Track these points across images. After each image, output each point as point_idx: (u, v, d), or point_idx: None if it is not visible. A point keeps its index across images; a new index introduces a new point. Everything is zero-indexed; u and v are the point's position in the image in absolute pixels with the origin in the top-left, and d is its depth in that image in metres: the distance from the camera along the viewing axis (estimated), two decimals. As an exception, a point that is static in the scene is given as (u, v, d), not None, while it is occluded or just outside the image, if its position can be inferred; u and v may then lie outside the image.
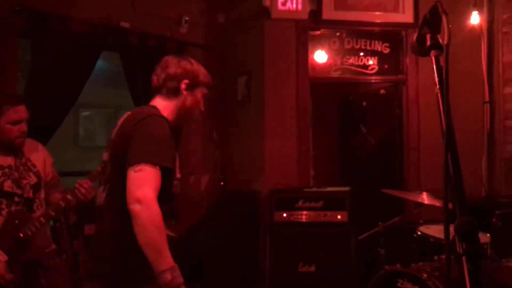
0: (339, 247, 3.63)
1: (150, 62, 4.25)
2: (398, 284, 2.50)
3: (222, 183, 4.76)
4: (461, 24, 4.16)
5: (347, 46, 4.50)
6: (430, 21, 1.03)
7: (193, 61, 1.97)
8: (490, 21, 4.06)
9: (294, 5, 4.17)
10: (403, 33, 4.46)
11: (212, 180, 4.80)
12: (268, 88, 4.27)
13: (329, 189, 3.93)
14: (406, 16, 4.37)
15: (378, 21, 4.39)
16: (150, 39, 4.24)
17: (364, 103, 4.98)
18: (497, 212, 2.31)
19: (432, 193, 2.93)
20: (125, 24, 4.02)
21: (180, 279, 1.61)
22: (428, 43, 1.02)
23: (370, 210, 3.91)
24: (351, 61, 4.50)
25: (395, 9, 4.38)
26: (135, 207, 1.58)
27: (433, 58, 1.00)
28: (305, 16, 4.24)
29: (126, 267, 1.71)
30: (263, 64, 4.32)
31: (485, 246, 2.60)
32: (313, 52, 4.44)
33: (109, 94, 8.21)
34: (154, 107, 1.87)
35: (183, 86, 1.89)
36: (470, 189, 4.02)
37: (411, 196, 2.97)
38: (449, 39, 0.95)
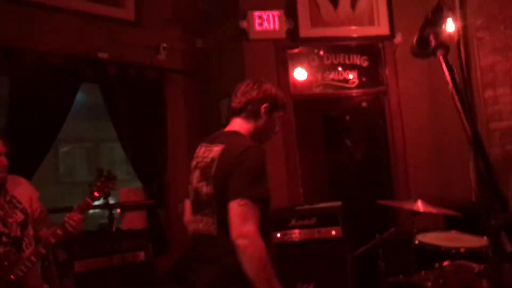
0: (336, 263, 3.57)
1: (131, 91, 4.26)
2: (402, 296, 2.47)
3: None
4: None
5: (326, 62, 4.54)
6: (432, 21, 1.02)
7: (272, 85, 2.05)
8: (465, 28, 4.13)
9: (271, 25, 4.20)
10: (380, 45, 4.53)
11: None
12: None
13: (321, 205, 3.89)
14: (382, 28, 4.44)
15: (354, 35, 4.45)
16: (129, 68, 4.21)
17: (347, 117, 5.00)
18: (492, 213, 2.29)
19: (426, 201, 2.92)
20: (103, 55, 3.99)
21: None
22: (433, 43, 1.00)
23: (362, 223, 3.88)
24: (331, 76, 4.53)
25: (371, 22, 4.45)
26: (241, 242, 1.69)
27: (441, 57, 0.98)
28: (283, 35, 4.28)
29: None
30: (244, 84, 4.31)
31: (484, 250, 2.60)
32: (293, 70, 4.46)
33: (88, 127, 8.11)
34: (242, 135, 1.96)
35: (263, 110, 1.97)
36: (460, 194, 4.07)
37: (406, 205, 2.95)
38: (459, 35, 0.93)
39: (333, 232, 3.72)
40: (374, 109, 4.71)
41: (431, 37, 0.99)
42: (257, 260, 1.68)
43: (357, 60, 4.56)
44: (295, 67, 4.48)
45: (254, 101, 1.96)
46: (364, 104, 4.87)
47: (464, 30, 4.14)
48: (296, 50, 4.48)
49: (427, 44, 1.01)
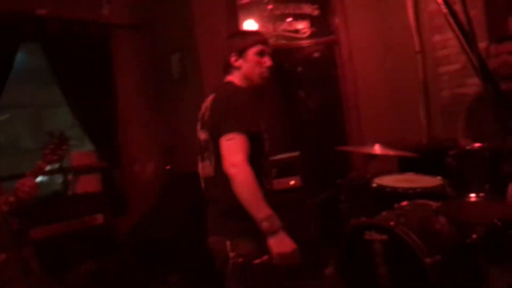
0: (298, 212, 3.64)
1: (74, 50, 4.03)
2: (366, 236, 2.53)
3: (168, 167, 4.62)
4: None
5: (276, 12, 4.45)
6: None
7: (239, 31, 2.18)
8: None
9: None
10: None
11: (157, 165, 4.65)
12: (204, 64, 4.15)
13: (279, 156, 3.91)
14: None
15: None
16: (72, 25, 3.97)
17: (299, 68, 4.98)
18: (450, 153, 2.38)
19: (384, 145, 2.99)
20: (41, 11, 3.73)
21: (277, 224, 1.84)
22: None
23: (321, 171, 3.94)
24: (282, 27, 4.46)
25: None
26: (231, 171, 1.84)
27: None
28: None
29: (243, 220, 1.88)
30: (195, 40, 4.18)
31: (441, 188, 2.70)
32: (243, 22, 4.36)
33: (29, 92, 7.68)
34: (232, 83, 2.08)
35: (232, 60, 2.09)
36: (412, 137, 4.20)
37: (364, 149, 3.01)
38: None
39: (292, 182, 3.78)
40: (326, 59, 4.72)
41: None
42: (246, 185, 1.83)
43: (307, 9, 4.50)
44: (245, 18, 4.37)
45: (225, 60, 2.12)
46: (316, 54, 4.85)
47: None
48: (246, 1, 4.36)
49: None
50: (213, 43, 4.15)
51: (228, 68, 2.12)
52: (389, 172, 3.35)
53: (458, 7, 3.89)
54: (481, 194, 2.12)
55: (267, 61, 2.10)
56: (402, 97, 4.29)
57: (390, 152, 2.87)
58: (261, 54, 2.09)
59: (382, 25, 4.39)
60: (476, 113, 2.73)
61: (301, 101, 5.02)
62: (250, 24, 4.39)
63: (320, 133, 4.77)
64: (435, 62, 4.06)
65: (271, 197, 1.94)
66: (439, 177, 2.80)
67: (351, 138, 4.52)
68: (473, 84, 3.73)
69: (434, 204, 2.61)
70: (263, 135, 2.02)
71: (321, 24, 4.56)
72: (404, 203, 2.71)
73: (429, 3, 4.09)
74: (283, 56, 4.97)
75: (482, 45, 3.22)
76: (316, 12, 4.52)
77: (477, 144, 2.27)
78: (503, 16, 3.72)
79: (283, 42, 4.47)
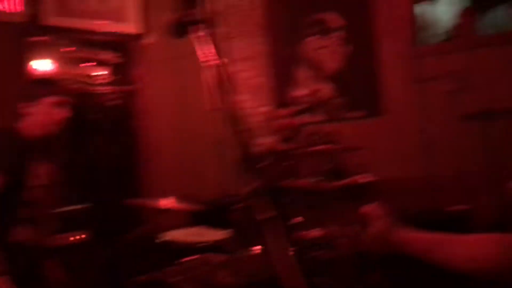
0: (85, 267, 3.35)
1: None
2: (150, 294, 2.45)
3: None
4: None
5: (73, 55, 4.23)
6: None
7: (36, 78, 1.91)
8: (212, 35, 4.40)
9: (10, 6, 3.70)
10: (132, 43, 4.46)
11: None
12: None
13: (66, 208, 3.59)
14: (134, 26, 4.38)
15: (104, 30, 4.27)
16: None
17: (95, 115, 4.76)
18: (234, 207, 2.48)
19: (177, 198, 2.99)
20: None
21: None
22: (188, 19, 0.99)
23: (112, 224, 3.73)
24: (79, 71, 4.25)
25: (122, 18, 4.34)
26: None
27: (194, 33, 0.97)
28: (23, 19, 3.81)
29: None
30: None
31: (227, 241, 2.79)
32: (35, 60, 4.01)
33: None
34: None
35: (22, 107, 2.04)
36: (205, 191, 4.31)
37: (153, 203, 2.96)
38: (210, 11, 0.93)
39: (78, 237, 3.50)
40: (124, 109, 4.62)
41: (187, 13, 0.98)
42: None
43: (107, 56, 4.39)
44: (37, 57, 4.03)
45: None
46: (113, 102, 4.71)
47: (212, 37, 4.40)
48: (38, 39, 4.04)
49: (182, 20, 1.00)
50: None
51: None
52: (180, 226, 3.35)
53: (246, 74, 4.22)
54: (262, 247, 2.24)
55: (62, 112, 2.02)
56: (197, 152, 4.41)
57: (181, 206, 2.87)
58: (55, 104, 1.99)
59: (181, 80, 4.52)
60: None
61: (96, 150, 4.78)
62: (42, 64, 4.07)
63: (115, 184, 4.57)
64: (229, 121, 4.29)
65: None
66: (227, 231, 2.89)
67: (146, 191, 4.44)
68: (262, 144, 4.04)
69: (218, 257, 2.66)
70: (23, 182, 1.87)
71: (121, 73, 4.47)
72: (191, 257, 2.71)
73: (226, 64, 4.36)
74: (79, 101, 4.71)
75: (267, 108, 3.54)
76: (117, 60, 4.43)
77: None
78: (285, 84, 4.18)
79: (81, 86, 4.24)
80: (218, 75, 4.53)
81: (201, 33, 0.96)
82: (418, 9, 3.89)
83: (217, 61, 0.93)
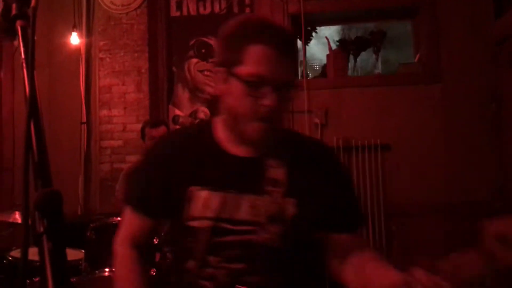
0: None
1: None
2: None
3: None
4: (61, 44, 4.18)
5: None
6: None
7: None
8: (88, 45, 4.24)
9: None
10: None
11: None
12: None
13: None
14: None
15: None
16: None
17: None
18: (90, 225, 2.36)
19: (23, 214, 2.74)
20: None
21: None
22: (14, 12, 0.90)
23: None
24: None
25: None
26: None
27: (19, 28, 0.89)
28: None
29: None
30: None
31: (80, 262, 2.62)
32: None
33: None
34: None
35: None
36: (67, 208, 4.04)
37: (2, 217, 2.70)
38: (36, 3, 0.86)
39: None
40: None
41: (13, 7, 0.90)
42: None
43: (-33, 54, 4.00)
44: None
45: None
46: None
47: (88, 48, 4.24)
48: None
49: (9, 14, 0.91)
50: None
51: None
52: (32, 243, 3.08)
53: (122, 89, 4.07)
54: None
55: None
56: (63, 165, 4.14)
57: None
58: None
59: (52, 89, 4.25)
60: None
61: None
62: None
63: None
64: (99, 136, 4.12)
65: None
66: (80, 250, 2.72)
67: (2, 203, 4.06)
68: (131, 161, 3.93)
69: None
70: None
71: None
72: (37, 278, 2.50)
73: (101, 78, 4.21)
74: None
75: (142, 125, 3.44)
76: (-23, 60, 4.05)
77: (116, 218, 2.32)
78: (163, 102, 4.13)
79: None
80: (88, 88, 4.34)
81: (24, 29, 0.89)
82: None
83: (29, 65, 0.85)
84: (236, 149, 1.28)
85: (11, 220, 2.66)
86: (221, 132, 1.31)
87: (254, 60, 1.16)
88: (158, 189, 1.31)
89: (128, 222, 1.40)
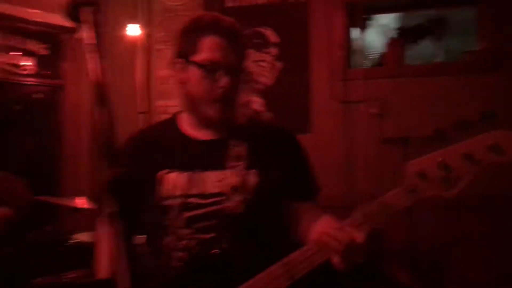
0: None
1: None
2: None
3: None
4: (120, 36, 4.30)
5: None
6: None
7: None
8: (146, 37, 4.35)
9: None
10: (63, 36, 4.31)
11: None
12: None
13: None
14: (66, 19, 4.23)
15: (36, 19, 4.09)
16: None
17: (17, 107, 4.53)
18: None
19: (91, 198, 2.88)
20: None
21: None
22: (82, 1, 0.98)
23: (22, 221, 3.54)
24: (2, 59, 4.04)
25: (55, 9, 4.18)
26: None
27: (85, 14, 0.95)
28: None
29: None
30: None
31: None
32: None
33: None
34: None
35: None
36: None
37: (66, 202, 2.84)
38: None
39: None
40: (49, 102, 4.43)
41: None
42: None
43: (35, 47, 4.20)
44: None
45: None
46: (39, 95, 4.51)
47: (146, 39, 4.35)
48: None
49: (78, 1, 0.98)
50: None
51: None
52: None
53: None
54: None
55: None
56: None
57: (93, 206, 2.77)
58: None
59: (111, 80, 4.39)
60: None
61: (15, 142, 4.54)
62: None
63: (33, 180, 4.35)
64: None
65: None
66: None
67: (65, 189, 4.26)
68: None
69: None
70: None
71: (48, 65, 4.30)
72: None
73: (159, 69, 4.31)
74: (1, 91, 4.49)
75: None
76: (44, 52, 4.25)
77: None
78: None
79: (4, 75, 4.03)
80: (151, 77, 4.44)
81: (90, 18, 0.95)
82: (352, 34, 4.03)
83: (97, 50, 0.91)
84: (200, 134, 1.47)
85: (74, 205, 2.79)
86: (184, 121, 1.50)
87: (207, 48, 1.38)
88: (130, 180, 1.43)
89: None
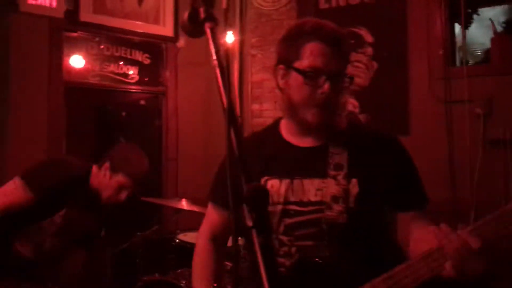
0: (95, 261, 3.38)
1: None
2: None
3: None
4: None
5: (106, 53, 4.33)
6: None
7: None
8: (241, 43, 4.45)
9: (48, 1, 3.81)
10: (163, 45, 4.54)
11: None
12: (14, 89, 3.77)
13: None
14: (166, 29, 4.46)
15: (139, 30, 4.36)
16: None
17: (123, 113, 4.86)
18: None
19: (191, 201, 2.99)
20: None
21: None
22: (202, 15, 1.00)
23: (127, 220, 3.77)
24: (110, 68, 4.34)
25: (156, 21, 4.42)
26: None
27: (208, 30, 0.98)
28: (61, 15, 3.91)
29: None
30: (7, 63, 3.79)
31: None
32: (69, 55, 4.13)
33: None
34: None
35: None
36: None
37: (169, 203, 2.97)
38: (227, 4, 0.95)
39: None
40: (151, 108, 4.69)
41: (201, 10, 0.99)
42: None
43: (139, 56, 4.47)
44: (71, 52, 4.15)
45: None
46: (142, 101, 4.80)
47: (241, 45, 4.45)
48: (74, 34, 4.16)
49: (197, 17, 1.01)
50: (29, 70, 3.82)
51: None
52: (196, 228, 3.35)
53: (271, 84, 4.16)
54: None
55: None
56: (219, 156, 4.42)
57: (195, 208, 2.88)
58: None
59: (209, 85, 4.56)
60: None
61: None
62: (75, 59, 4.18)
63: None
64: (251, 128, 4.31)
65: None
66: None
67: (167, 191, 4.48)
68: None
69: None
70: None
71: (150, 73, 4.55)
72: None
73: (253, 74, 4.39)
74: (108, 97, 4.83)
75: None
76: (147, 61, 4.51)
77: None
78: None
79: (108, 83, 4.34)
80: (241, 83, 4.54)
81: (212, 32, 0.98)
82: (455, 30, 3.83)
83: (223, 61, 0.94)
84: (301, 141, 1.46)
85: (178, 206, 2.91)
86: (285, 128, 1.50)
87: (309, 54, 1.37)
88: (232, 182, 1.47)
89: (208, 217, 1.63)
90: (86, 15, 4.05)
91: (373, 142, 1.46)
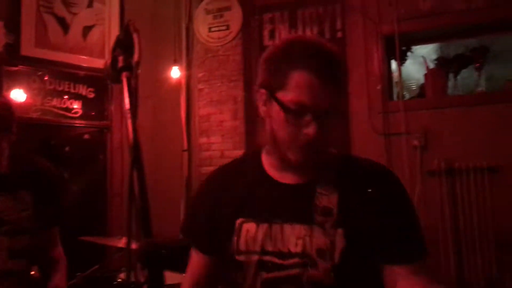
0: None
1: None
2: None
3: None
4: (164, 77, 4.46)
5: (49, 87, 4.24)
6: (123, 42, 1.02)
7: None
8: (188, 77, 4.49)
9: (-13, 35, 3.72)
10: (108, 79, 4.49)
11: None
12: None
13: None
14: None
15: (83, 64, 4.31)
16: None
17: (67, 148, 4.73)
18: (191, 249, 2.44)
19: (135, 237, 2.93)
20: None
21: None
22: (120, 64, 1.00)
23: (72, 261, 3.64)
24: (53, 102, 4.25)
25: (101, 55, 4.40)
26: None
27: (124, 79, 0.98)
28: (1, 48, 3.83)
29: None
30: None
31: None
32: (9, 89, 4.01)
33: None
34: None
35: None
36: (169, 231, 4.25)
37: (110, 242, 2.90)
38: (139, 57, 0.94)
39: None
40: (96, 143, 4.61)
41: (120, 59, 1.00)
42: None
43: (83, 90, 4.41)
44: (12, 86, 4.04)
45: None
46: (86, 136, 4.70)
47: (188, 80, 4.49)
48: (15, 68, 4.06)
49: (116, 65, 1.01)
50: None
51: None
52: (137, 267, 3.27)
53: (220, 117, 4.20)
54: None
55: None
56: (165, 191, 4.38)
57: (136, 247, 2.82)
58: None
59: (156, 119, 4.55)
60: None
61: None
62: (16, 93, 4.06)
63: (80, 219, 4.49)
64: (198, 162, 4.31)
65: None
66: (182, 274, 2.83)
67: (111, 227, 4.37)
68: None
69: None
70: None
71: (95, 107, 4.49)
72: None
73: (201, 107, 4.42)
74: (51, 132, 4.70)
75: (240, 152, 3.54)
76: (91, 95, 4.45)
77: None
78: (259, 129, 4.21)
79: (51, 118, 4.24)
80: (188, 117, 4.55)
81: (129, 80, 0.97)
82: (391, 66, 4.02)
83: (132, 114, 0.92)
84: (285, 177, 1.23)
85: (119, 245, 2.84)
86: (267, 159, 1.28)
87: (296, 87, 1.11)
88: (206, 224, 1.28)
89: (191, 260, 1.39)
90: (28, 49, 3.98)
91: (368, 181, 1.21)
